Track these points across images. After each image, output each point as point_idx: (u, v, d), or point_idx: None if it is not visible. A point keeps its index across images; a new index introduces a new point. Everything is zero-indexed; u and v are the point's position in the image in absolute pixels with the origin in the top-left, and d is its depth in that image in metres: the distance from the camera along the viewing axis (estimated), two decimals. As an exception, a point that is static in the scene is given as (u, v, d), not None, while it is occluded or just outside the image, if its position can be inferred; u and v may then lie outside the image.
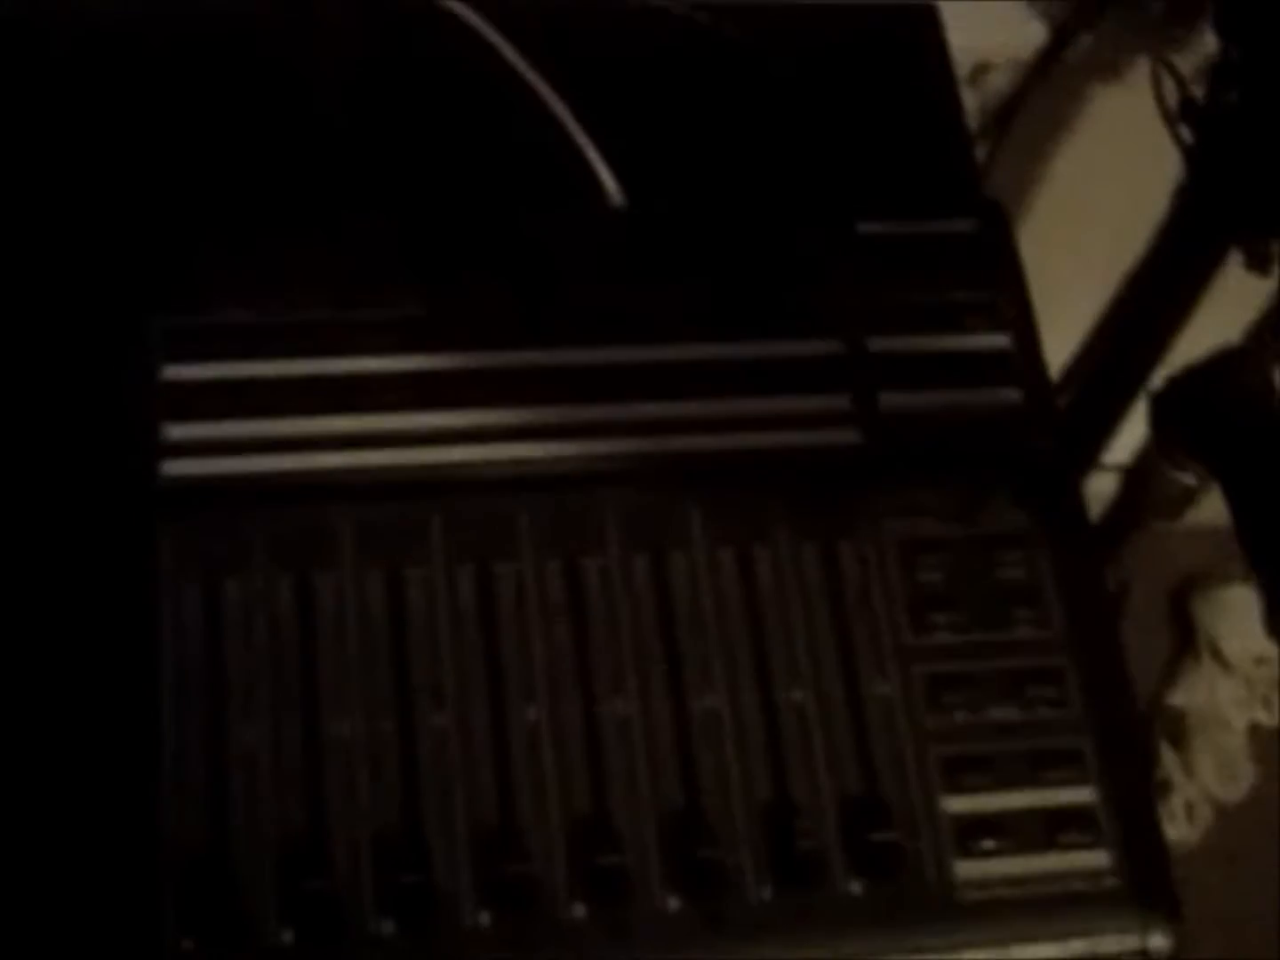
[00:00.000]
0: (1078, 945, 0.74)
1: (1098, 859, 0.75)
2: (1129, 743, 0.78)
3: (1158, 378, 0.87)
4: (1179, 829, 1.64)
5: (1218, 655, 1.70)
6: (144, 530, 0.77)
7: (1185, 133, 0.79)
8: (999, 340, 0.85)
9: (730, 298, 0.85)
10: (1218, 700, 1.69)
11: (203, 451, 0.79)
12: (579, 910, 0.72)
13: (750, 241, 0.87)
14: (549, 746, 0.75)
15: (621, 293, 0.85)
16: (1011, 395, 0.84)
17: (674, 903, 0.72)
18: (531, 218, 0.87)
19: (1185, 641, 1.72)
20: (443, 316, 0.83)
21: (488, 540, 0.78)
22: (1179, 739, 1.68)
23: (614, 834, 0.73)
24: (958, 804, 0.76)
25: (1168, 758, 1.66)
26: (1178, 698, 1.70)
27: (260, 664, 0.75)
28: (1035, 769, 0.77)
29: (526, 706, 0.75)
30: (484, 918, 0.71)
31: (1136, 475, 0.89)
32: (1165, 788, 1.64)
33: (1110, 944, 0.74)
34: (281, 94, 0.93)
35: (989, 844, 0.75)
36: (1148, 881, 0.76)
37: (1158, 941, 0.74)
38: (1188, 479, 0.86)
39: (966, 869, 0.75)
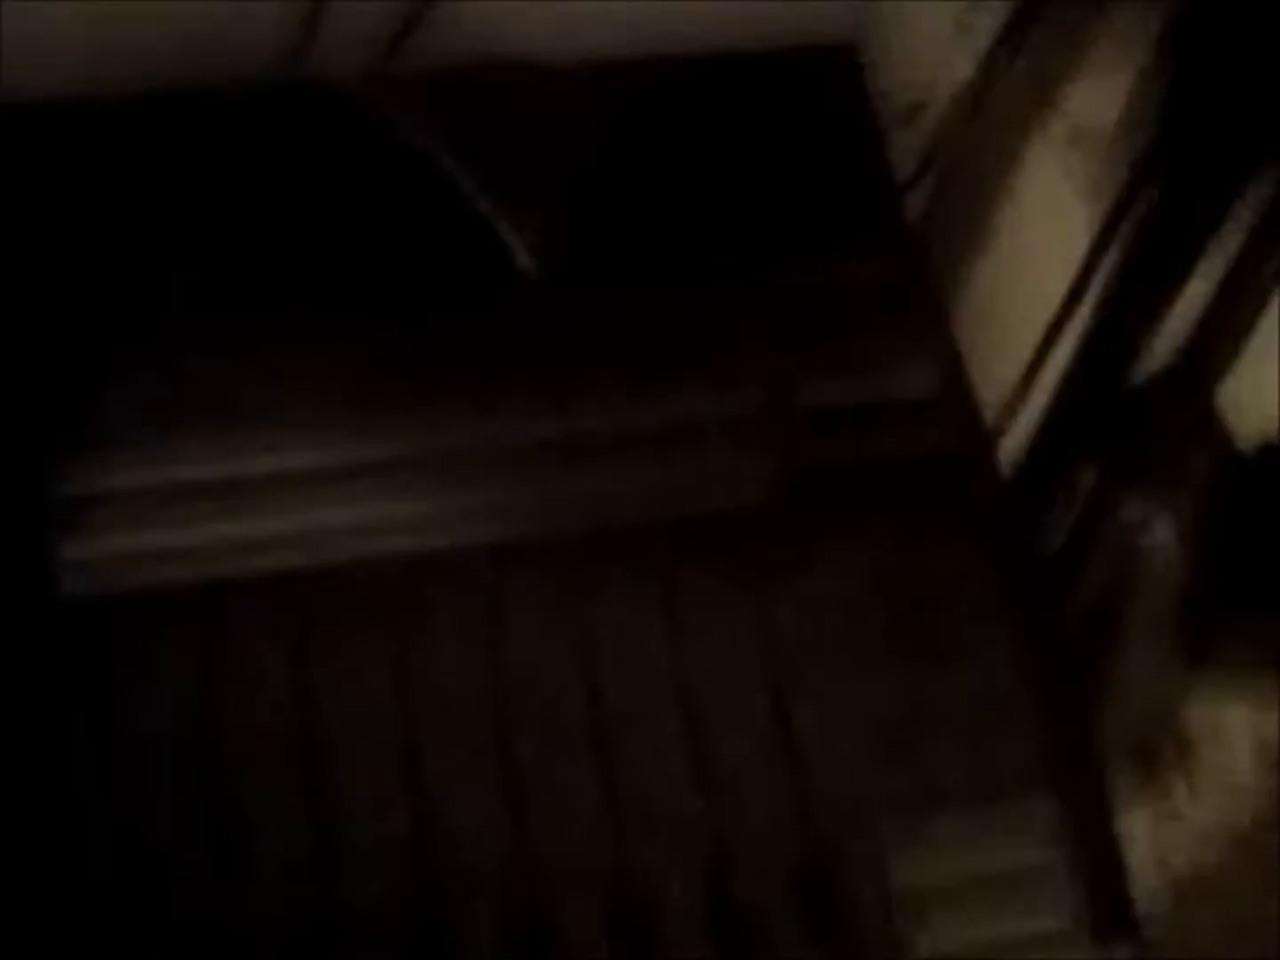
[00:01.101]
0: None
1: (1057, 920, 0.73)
2: (1088, 794, 0.75)
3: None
4: (1189, 855, 1.60)
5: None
6: (43, 646, 0.75)
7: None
8: (925, 382, 0.83)
9: (647, 359, 0.83)
10: (1224, 724, 1.65)
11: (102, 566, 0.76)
12: None
13: (667, 300, 0.85)
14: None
15: (535, 364, 0.83)
16: (943, 437, 0.82)
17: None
18: (437, 293, 0.85)
19: (1196, 659, 1.69)
20: (339, 407, 0.81)
21: (403, 629, 0.76)
22: (1185, 763, 1.65)
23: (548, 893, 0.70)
24: (910, 870, 0.73)
25: (1175, 783, 1.63)
26: (1185, 720, 1.66)
27: (162, 781, 0.73)
28: (989, 832, 0.74)
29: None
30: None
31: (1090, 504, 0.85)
32: (1173, 814, 1.61)
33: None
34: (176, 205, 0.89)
35: (941, 912, 0.72)
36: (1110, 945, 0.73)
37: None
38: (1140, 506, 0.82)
39: (919, 936, 0.72)
